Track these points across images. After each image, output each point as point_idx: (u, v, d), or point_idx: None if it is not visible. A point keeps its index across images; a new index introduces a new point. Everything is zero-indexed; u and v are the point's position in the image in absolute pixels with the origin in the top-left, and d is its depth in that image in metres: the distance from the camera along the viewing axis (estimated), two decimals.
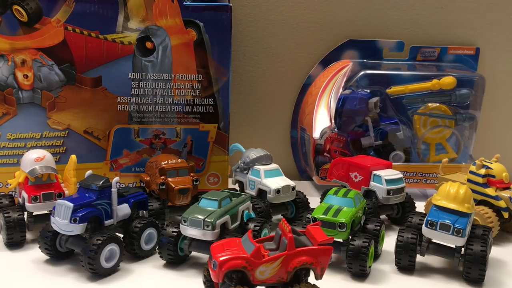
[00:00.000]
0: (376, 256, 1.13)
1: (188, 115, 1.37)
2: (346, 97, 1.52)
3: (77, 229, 1.01)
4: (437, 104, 1.54)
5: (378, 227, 1.11)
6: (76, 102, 1.32)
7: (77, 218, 1.01)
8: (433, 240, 1.06)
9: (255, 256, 0.85)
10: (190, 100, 1.36)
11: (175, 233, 1.06)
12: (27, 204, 1.14)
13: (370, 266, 1.06)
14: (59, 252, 1.08)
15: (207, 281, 0.92)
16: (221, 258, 0.85)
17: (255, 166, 1.29)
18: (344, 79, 1.52)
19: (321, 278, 0.88)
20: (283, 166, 1.32)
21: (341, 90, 1.52)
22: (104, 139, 1.35)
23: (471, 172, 1.26)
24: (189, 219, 1.02)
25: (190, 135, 1.38)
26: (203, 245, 1.03)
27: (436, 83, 1.52)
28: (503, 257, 1.16)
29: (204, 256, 1.10)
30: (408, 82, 1.54)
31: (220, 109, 1.37)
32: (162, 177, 1.23)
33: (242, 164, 1.32)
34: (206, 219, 1.01)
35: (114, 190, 1.07)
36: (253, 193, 1.28)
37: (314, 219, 1.04)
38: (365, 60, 1.59)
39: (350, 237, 1.05)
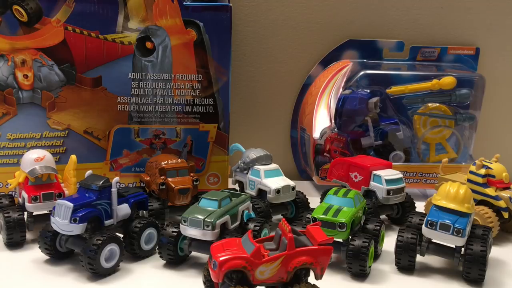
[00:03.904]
0: (376, 256, 1.13)
1: (188, 115, 1.37)
2: (346, 97, 1.52)
3: (77, 229, 1.01)
4: (437, 104, 1.54)
5: (378, 227, 1.11)
6: (76, 102, 1.32)
7: (77, 218, 1.01)
8: (433, 240, 1.06)
9: (255, 256, 0.85)
10: (190, 100, 1.36)
11: (175, 233, 1.06)
12: (27, 204, 1.14)
13: (370, 266, 1.06)
14: (59, 252, 1.08)
15: (207, 281, 0.92)
16: (221, 258, 0.85)
17: (255, 166, 1.29)
18: (344, 79, 1.52)
19: (321, 278, 0.88)
20: (283, 166, 1.32)
21: (341, 90, 1.52)
22: (104, 139, 1.35)
23: (471, 172, 1.26)
24: (189, 219, 1.02)
25: (190, 135, 1.38)
26: (203, 245, 1.03)
27: (436, 83, 1.52)
28: (503, 257, 1.16)
29: (204, 256, 1.10)
30: (408, 82, 1.54)
31: (220, 109, 1.37)
32: (162, 177, 1.23)
33: (242, 164, 1.32)
34: (206, 219, 1.01)
35: (114, 190, 1.07)
36: (253, 193, 1.28)
37: (314, 219, 1.04)
38: (365, 60, 1.59)
39: (350, 237, 1.05)
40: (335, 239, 1.00)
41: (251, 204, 1.16)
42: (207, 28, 1.32)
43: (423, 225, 1.04)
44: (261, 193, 1.27)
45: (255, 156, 1.30)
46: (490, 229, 1.09)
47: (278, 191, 1.23)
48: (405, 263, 1.07)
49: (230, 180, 1.41)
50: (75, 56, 1.30)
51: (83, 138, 1.34)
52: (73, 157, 1.17)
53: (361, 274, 1.04)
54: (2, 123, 1.30)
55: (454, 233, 1.01)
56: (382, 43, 1.60)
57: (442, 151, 1.57)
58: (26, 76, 1.29)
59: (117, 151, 1.37)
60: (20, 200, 1.17)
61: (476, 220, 1.19)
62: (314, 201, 1.34)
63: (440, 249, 1.07)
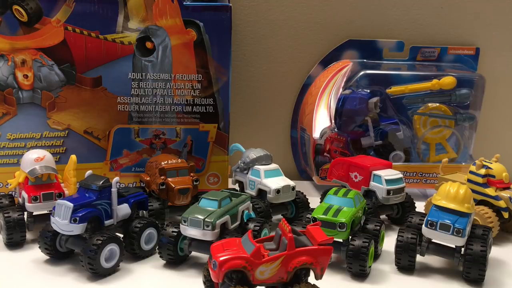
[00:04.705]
0: (376, 256, 1.13)
1: (188, 115, 1.37)
2: (346, 97, 1.52)
3: (77, 229, 1.01)
4: (437, 104, 1.54)
5: (378, 227, 1.11)
6: (76, 102, 1.32)
7: (77, 218, 1.01)
8: (433, 240, 1.06)
9: (255, 256, 0.85)
10: (190, 100, 1.36)
11: (175, 233, 1.06)
12: (27, 204, 1.14)
13: (370, 266, 1.06)
14: (59, 252, 1.08)
15: (207, 281, 0.92)
16: (221, 258, 0.85)
17: (255, 166, 1.29)
18: (344, 79, 1.52)
19: (321, 278, 0.88)
20: (283, 166, 1.32)
21: (341, 90, 1.52)
22: (104, 139, 1.35)
23: (471, 172, 1.26)
24: (189, 219, 1.02)
25: (190, 135, 1.38)
26: (203, 245, 1.03)
27: (436, 83, 1.52)
28: (503, 257, 1.16)
29: (204, 256, 1.10)
30: (408, 82, 1.54)
31: (220, 109, 1.37)
32: (162, 177, 1.23)
33: (242, 164, 1.32)
34: (206, 219, 1.01)
35: (114, 190, 1.07)
36: (253, 193, 1.28)
37: (314, 219, 1.04)
38: (365, 60, 1.59)
39: (350, 237, 1.05)
40: (335, 239, 1.00)
41: (251, 204, 1.16)
42: (207, 28, 1.32)
43: (423, 225, 1.04)
44: (261, 193, 1.27)
45: (255, 156, 1.30)
46: (490, 229, 1.09)
47: (278, 191, 1.23)
48: (405, 263, 1.07)
49: (230, 180, 1.41)
50: (75, 56, 1.30)
51: (83, 138, 1.34)
52: (73, 157, 1.17)
53: (361, 274, 1.04)
54: (2, 123, 1.30)
55: (454, 233, 1.01)
56: (382, 43, 1.60)
57: (442, 151, 1.57)
58: (26, 76, 1.29)
59: (117, 151, 1.37)
60: (20, 200, 1.17)
61: (476, 220, 1.19)
62: (314, 201, 1.34)
63: (440, 249, 1.07)
